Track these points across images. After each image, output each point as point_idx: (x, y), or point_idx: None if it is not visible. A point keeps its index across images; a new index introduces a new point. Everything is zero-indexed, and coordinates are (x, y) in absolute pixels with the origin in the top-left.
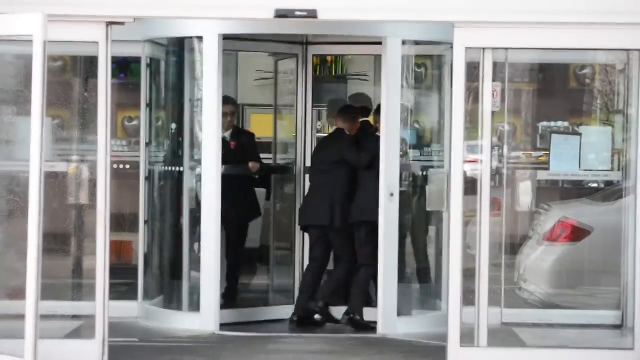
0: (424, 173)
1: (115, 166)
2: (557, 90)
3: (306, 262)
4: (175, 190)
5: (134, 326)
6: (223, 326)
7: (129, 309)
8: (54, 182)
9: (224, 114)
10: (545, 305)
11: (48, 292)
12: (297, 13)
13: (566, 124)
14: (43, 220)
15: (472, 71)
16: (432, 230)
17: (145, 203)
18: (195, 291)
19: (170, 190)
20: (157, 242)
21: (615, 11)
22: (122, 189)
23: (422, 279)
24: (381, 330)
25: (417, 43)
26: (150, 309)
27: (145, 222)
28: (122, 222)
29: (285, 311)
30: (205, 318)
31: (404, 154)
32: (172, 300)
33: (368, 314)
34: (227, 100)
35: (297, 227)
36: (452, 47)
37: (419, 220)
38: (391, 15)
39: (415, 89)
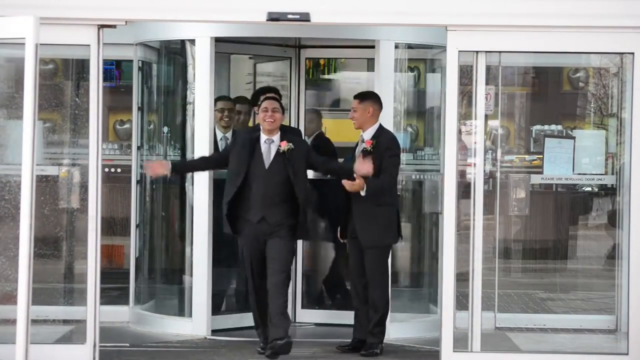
0: (418, 177)
1: (106, 170)
2: (551, 94)
3: (299, 268)
4: (167, 194)
5: (125, 331)
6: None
7: (120, 314)
8: (45, 186)
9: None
10: None
11: (39, 296)
12: (290, 16)
13: (560, 127)
14: (34, 224)
15: (465, 74)
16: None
17: (136, 207)
18: (187, 296)
19: (162, 194)
20: (149, 246)
21: (608, 14)
22: (114, 193)
23: (415, 282)
24: None
25: (409, 46)
26: (142, 313)
27: (137, 226)
28: (113, 226)
29: None
30: (196, 323)
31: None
32: (163, 305)
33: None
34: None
35: None
36: (445, 50)
37: (413, 224)
38: (384, 18)
39: (408, 92)
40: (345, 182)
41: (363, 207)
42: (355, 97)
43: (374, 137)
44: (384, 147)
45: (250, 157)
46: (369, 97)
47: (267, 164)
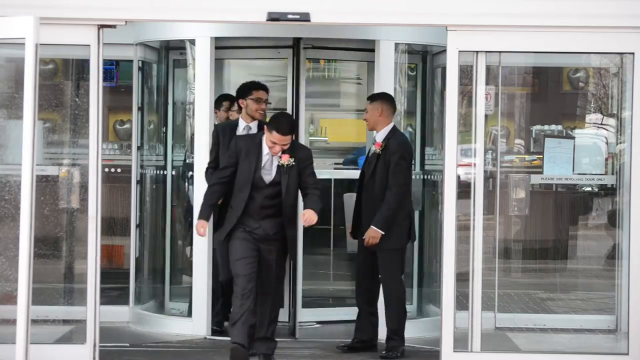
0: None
1: (106, 170)
2: (551, 94)
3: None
4: (167, 194)
5: (125, 331)
6: None
7: (120, 314)
8: (45, 186)
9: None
10: None
11: (39, 296)
12: (290, 16)
13: (560, 127)
14: (34, 224)
15: (465, 74)
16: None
17: (136, 207)
18: (186, 296)
19: (162, 194)
20: (149, 246)
21: (608, 14)
22: (114, 193)
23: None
24: None
25: (409, 46)
26: (142, 313)
27: (137, 226)
28: (113, 226)
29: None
30: (196, 323)
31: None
32: (163, 305)
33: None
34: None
35: None
36: (445, 50)
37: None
38: (384, 18)
39: (407, 92)
40: (367, 242)
41: (374, 210)
42: (367, 98)
43: (385, 139)
44: (392, 151)
45: (255, 168)
46: (380, 97)
47: (267, 177)
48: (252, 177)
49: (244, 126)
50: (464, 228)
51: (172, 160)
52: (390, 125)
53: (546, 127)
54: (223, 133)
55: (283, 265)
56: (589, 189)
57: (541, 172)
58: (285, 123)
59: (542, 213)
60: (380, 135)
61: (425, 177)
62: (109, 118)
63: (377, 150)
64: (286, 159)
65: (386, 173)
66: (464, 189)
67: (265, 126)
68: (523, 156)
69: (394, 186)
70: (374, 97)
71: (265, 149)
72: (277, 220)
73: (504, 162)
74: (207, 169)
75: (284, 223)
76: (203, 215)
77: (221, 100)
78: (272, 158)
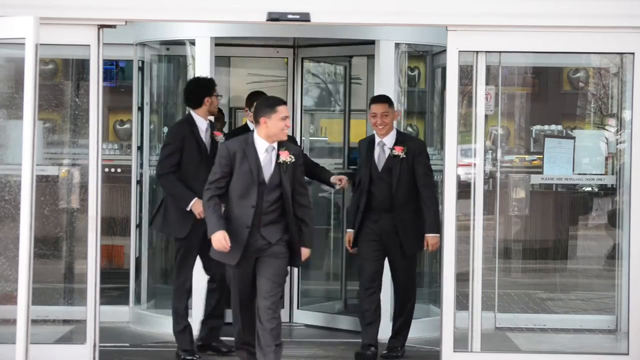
0: None
1: (106, 170)
2: (551, 94)
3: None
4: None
5: (125, 331)
6: None
7: (120, 314)
8: (45, 186)
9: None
10: None
11: (39, 296)
12: (290, 16)
13: (560, 127)
14: (34, 224)
15: (465, 74)
16: None
17: (136, 207)
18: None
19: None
20: (149, 246)
21: (608, 14)
22: (114, 193)
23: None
24: None
25: (410, 46)
26: (142, 313)
27: (137, 226)
28: (113, 226)
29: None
30: (197, 323)
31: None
32: (163, 305)
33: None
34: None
35: None
36: (445, 50)
37: None
38: (384, 18)
39: (408, 92)
40: (431, 250)
41: (405, 216)
42: (381, 100)
43: (399, 143)
44: (416, 152)
45: (258, 170)
46: (391, 101)
47: (266, 177)
48: (257, 180)
49: (207, 125)
50: (464, 228)
51: (136, 161)
52: (394, 128)
53: (546, 127)
54: (189, 134)
55: (285, 267)
56: (589, 189)
57: (541, 172)
58: (274, 97)
59: (542, 213)
60: (390, 139)
61: None
62: (109, 118)
63: (400, 154)
64: (287, 156)
65: (412, 176)
66: (464, 189)
67: (261, 118)
68: (523, 156)
69: (430, 186)
70: (390, 100)
71: (262, 147)
72: (279, 226)
73: (504, 162)
74: (167, 174)
75: (289, 224)
76: (220, 227)
77: (253, 99)
78: (270, 156)
